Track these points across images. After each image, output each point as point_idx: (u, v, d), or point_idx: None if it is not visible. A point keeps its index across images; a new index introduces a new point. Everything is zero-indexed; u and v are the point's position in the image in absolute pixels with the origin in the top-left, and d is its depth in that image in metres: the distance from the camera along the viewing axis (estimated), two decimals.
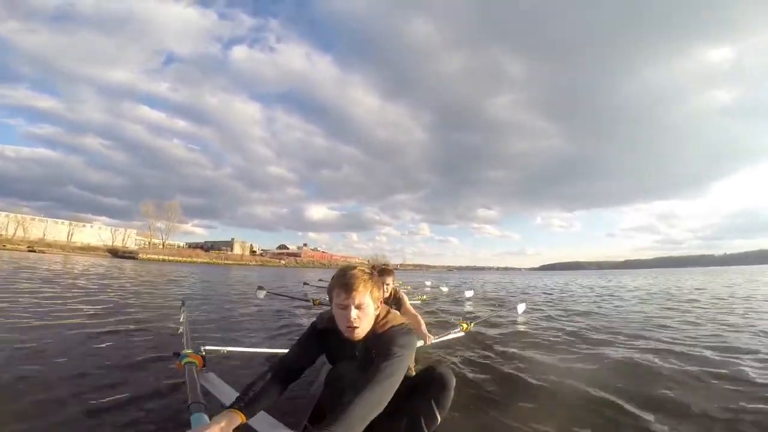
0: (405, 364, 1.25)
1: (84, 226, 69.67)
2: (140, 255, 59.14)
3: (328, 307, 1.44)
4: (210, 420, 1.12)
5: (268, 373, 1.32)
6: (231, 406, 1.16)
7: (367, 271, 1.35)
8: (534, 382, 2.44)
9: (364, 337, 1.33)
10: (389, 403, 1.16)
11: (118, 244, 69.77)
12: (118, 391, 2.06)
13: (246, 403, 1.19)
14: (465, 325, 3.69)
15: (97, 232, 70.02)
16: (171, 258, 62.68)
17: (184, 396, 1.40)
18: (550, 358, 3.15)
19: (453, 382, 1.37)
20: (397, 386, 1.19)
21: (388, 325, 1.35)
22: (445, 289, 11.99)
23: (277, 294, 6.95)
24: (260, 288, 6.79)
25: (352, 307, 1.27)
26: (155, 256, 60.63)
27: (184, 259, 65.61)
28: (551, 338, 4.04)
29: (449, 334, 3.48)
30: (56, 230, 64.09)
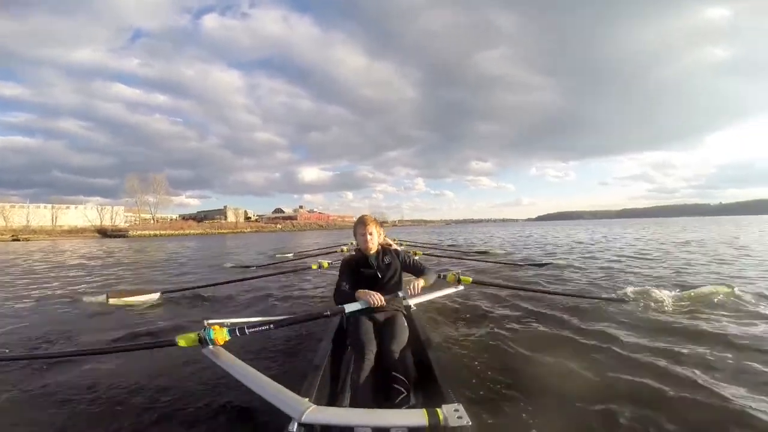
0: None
1: (68, 208, 67.90)
2: (130, 232, 58.50)
3: (335, 270, 2.55)
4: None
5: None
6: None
7: (373, 217, 2.44)
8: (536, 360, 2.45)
9: (375, 251, 2.39)
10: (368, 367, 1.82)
11: (107, 222, 68.70)
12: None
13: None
14: (451, 276, 3.08)
15: (82, 213, 68.37)
16: (163, 232, 62.27)
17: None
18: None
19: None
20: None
21: (392, 247, 2.73)
22: (500, 251, 10.80)
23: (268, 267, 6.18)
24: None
25: (368, 233, 2.35)
26: (146, 232, 60.09)
27: (176, 232, 65.34)
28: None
29: (438, 290, 3.02)
30: (39, 215, 62.41)
